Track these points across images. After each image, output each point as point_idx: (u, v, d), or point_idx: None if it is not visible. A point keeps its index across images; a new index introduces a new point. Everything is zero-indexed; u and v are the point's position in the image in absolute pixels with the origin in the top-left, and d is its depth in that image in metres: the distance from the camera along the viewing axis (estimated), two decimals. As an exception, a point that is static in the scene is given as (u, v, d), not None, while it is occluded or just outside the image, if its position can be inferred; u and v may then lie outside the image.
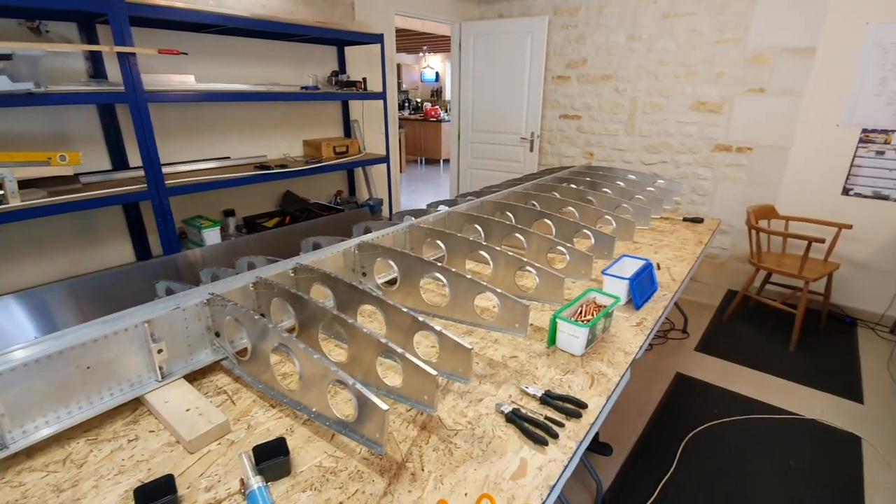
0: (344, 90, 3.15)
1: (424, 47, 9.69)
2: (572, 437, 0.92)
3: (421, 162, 10.15)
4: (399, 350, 0.90)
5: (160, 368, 1.02)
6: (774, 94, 3.31)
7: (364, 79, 3.28)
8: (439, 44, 8.64)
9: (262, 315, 1.15)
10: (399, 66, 10.17)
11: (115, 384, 0.97)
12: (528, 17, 4.17)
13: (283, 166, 2.76)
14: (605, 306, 1.33)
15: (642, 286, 1.52)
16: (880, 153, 3.04)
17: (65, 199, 1.93)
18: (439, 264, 1.26)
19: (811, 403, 2.41)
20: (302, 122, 3.26)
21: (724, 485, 1.90)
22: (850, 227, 3.01)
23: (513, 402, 1.02)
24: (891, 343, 3.02)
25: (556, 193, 2.24)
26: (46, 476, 0.81)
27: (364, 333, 0.95)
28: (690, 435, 2.17)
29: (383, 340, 0.92)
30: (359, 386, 0.80)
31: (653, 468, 1.98)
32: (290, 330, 1.19)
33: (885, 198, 3.09)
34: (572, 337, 1.19)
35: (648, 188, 2.61)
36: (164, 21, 2.20)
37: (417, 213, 1.85)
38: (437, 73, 10.76)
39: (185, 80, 2.41)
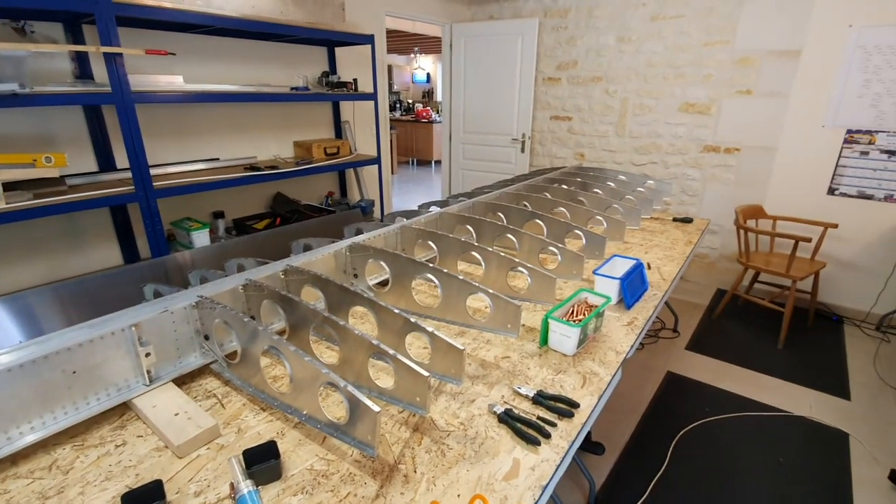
0: (334, 91, 3.14)
1: (416, 48, 9.69)
2: (564, 436, 0.92)
3: (412, 163, 10.14)
4: (391, 351, 0.90)
5: (148, 372, 1.00)
6: (761, 95, 3.35)
7: (355, 80, 3.27)
8: (431, 45, 8.65)
9: (252, 318, 1.14)
10: (390, 68, 10.16)
11: (101, 389, 0.95)
12: (519, 19, 4.19)
13: (273, 167, 2.74)
14: (596, 306, 1.34)
15: (633, 286, 1.52)
16: (864, 153, 3.09)
17: (50, 201, 1.91)
18: (431, 265, 1.26)
19: (800, 400, 2.44)
20: (292, 123, 3.24)
21: (715, 482, 1.91)
22: (835, 226, 3.05)
23: (505, 402, 1.02)
24: (876, 340, 3.07)
25: (547, 194, 2.24)
26: (32, 483, 0.80)
27: (355, 335, 0.95)
28: (681, 433, 2.19)
29: (375, 342, 0.92)
30: (350, 388, 0.80)
31: (645, 466, 1.99)
32: (281, 332, 1.18)
33: (870, 197, 3.14)
34: (564, 337, 1.20)
35: (639, 189, 2.63)
36: (152, 21, 2.17)
37: (409, 215, 1.84)
38: (428, 75, 10.76)
39: (174, 81, 2.38)
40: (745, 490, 1.87)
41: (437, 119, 9.26)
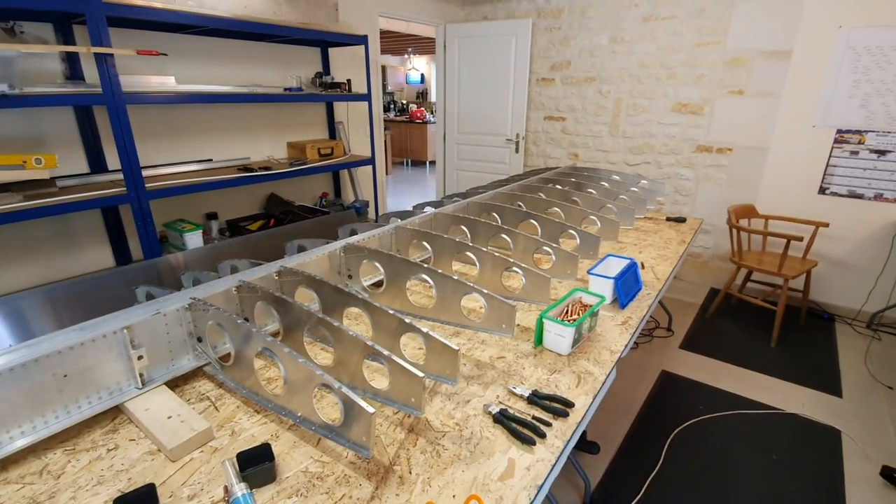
0: (328, 92, 3.13)
1: (409, 49, 9.69)
2: (560, 436, 0.93)
3: (407, 164, 10.14)
4: (385, 352, 0.89)
5: (140, 375, 1.00)
6: (753, 95, 3.38)
7: (348, 80, 3.26)
8: (424, 46, 8.65)
9: (246, 319, 1.13)
10: (384, 68, 10.16)
11: (93, 392, 0.94)
12: (513, 20, 4.19)
13: (266, 168, 2.73)
14: (590, 306, 1.34)
15: (627, 285, 1.53)
16: (854, 153, 3.13)
17: (41, 203, 1.89)
18: (426, 266, 1.25)
19: (792, 398, 2.46)
20: (286, 123, 3.23)
21: (710, 480, 1.93)
22: (826, 225, 3.09)
23: (500, 402, 1.02)
24: (867, 338, 3.10)
25: (541, 194, 2.25)
26: (22, 488, 0.79)
27: (350, 336, 0.95)
28: (676, 432, 2.20)
29: (370, 343, 0.91)
30: (345, 389, 0.80)
31: (640, 465, 2.00)
32: (275, 334, 1.18)
33: (860, 196, 3.18)
34: (559, 336, 1.20)
35: (632, 189, 2.64)
36: (143, 21, 2.15)
37: (403, 215, 1.84)
38: (422, 75, 10.76)
39: (166, 82, 2.37)
40: (739, 487, 1.89)
41: (432, 120, 9.26)
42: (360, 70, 3.50)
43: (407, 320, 1.02)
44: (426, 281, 1.27)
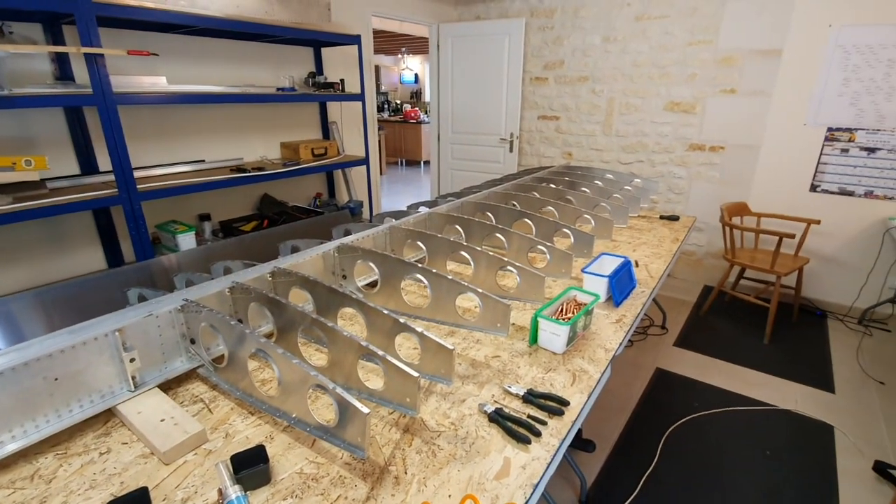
0: (321, 91, 3.12)
1: (403, 49, 9.67)
2: (555, 434, 0.93)
3: (401, 164, 10.12)
4: (380, 353, 0.89)
5: (133, 378, 0.99)
6: (744, 94, 3.40)
7: (342, 80, 3.25)
8: (418, 45, 8.64)
9: (239, 321, 1.13)
10: (378, 68, 10.13)
11: (84, 395, 0.93)
12: (506, 19, 4.20)
13: (260, 169, 2.72)
14: (585, 304, 1.35)
15: (621, 283, 1.54)
16: (845, 151, 3.16)
17: (31, 205, 1.87)
18: (420, 266, 1.25)
19: (785, 394, 2.48)
20: (279, 124, 3.22)
21: (704, 476, 1.94)
22: (818, 222, 3.11)
23: (496, 401, 1.02)
24: (859, 334, 3.13)
25: (535, 193, 2.25)
26: (13, 493, 0.78)
27: (344, 337, 0.94)
28: (671, 429, 2.21)
29: (364, 343, 0.91)
30: (339, 390, 0.79)
31: (635, 463, 2.01)
32: (269, 335, 1.17)
33: (851, 194, 3.21)
34: (553, 335, 1.20)
35: (626, 187, 2.65)
36: (134, 21, 2.14)
37: (398, 215, 1.84)
38: (416, 75, 10.75)
39: (157, 82, 2.35)
40: (734, 483, 1.90)
41: (426, 119, 9.26)
42: (354, 70, 3.50)
43: (402, 320, 1.02)
44: (421, 281, 1.26)
